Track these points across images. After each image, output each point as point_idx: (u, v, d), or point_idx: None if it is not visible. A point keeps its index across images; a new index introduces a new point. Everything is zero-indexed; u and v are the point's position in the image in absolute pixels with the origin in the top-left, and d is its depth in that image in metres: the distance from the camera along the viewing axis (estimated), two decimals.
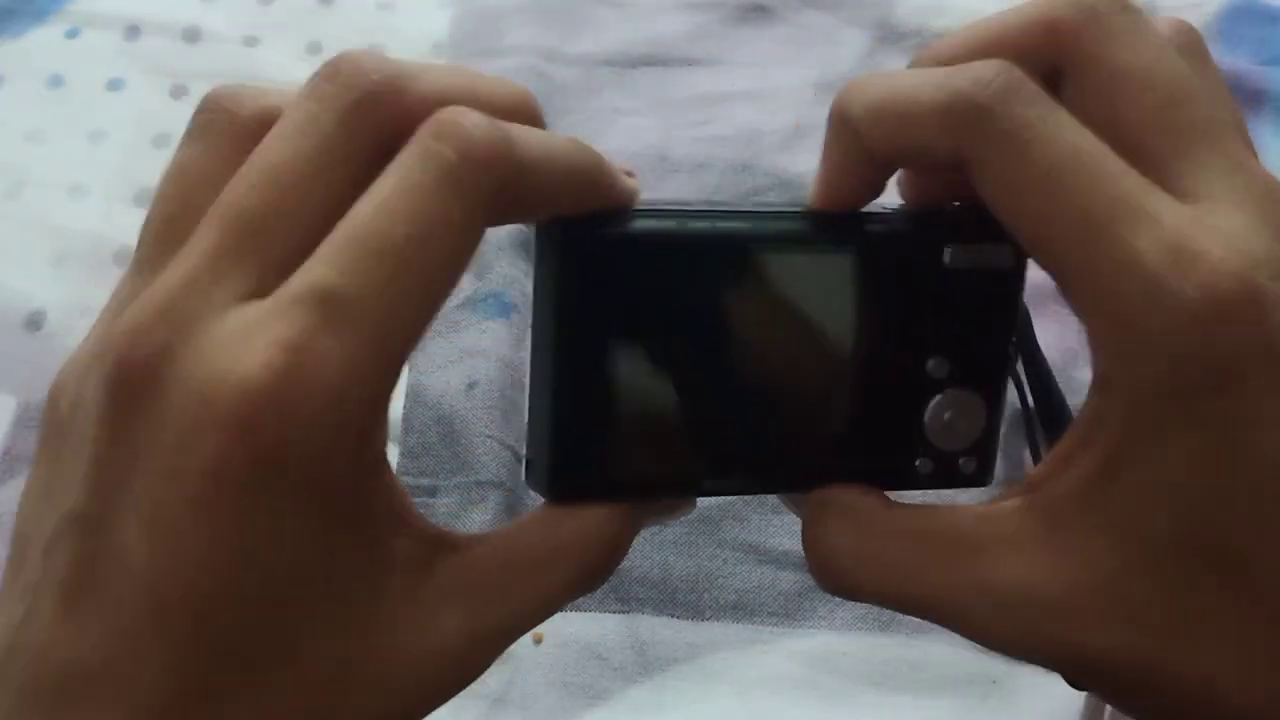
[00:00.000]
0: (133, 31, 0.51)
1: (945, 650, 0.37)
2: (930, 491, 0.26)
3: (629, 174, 0.23)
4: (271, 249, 0.20)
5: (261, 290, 0.20)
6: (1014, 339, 0.26)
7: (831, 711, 0.37)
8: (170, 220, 0.22)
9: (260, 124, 0.22)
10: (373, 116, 0.21)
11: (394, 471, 0.35)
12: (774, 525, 0.39)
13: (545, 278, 0.24)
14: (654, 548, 0.39)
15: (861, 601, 0.24)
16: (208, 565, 0.19)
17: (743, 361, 0.25)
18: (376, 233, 0.20)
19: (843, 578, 0.24)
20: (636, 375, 0.25)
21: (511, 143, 0.20)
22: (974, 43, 0.22)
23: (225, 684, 0.20)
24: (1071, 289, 0.20)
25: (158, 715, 0.19)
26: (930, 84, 0.21)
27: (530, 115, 0.22)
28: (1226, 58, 0.48)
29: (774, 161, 0.47)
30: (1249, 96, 0.48)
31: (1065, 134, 0.20)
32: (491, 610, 0.23)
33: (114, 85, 0.49)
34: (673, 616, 0.38)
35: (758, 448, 0.26)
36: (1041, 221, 0.20)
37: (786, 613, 0.38)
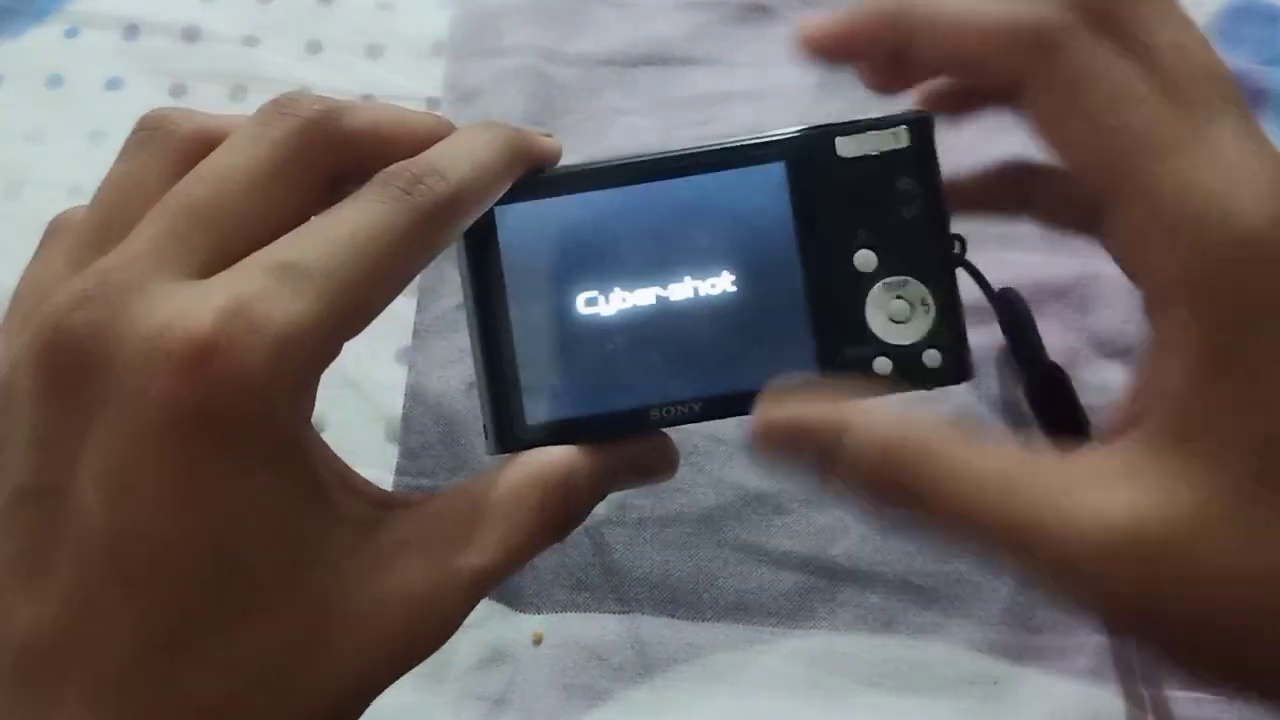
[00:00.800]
0: (132, 31, 0.51)
1: (945, 650, 0.37)
2: (913, 396, 0.26)
3: (547, 134, 0.26)
4: (219, 235, 0.21)
5: (207, 272, 0.21)
6: (946, 224, 0.26)
7: (831, 711, 0.37)
8: (105, 223, 0.23)
9: (197, 143, 0.23)
10: (315, 139, 0.23)
11: (394, 471, 0.36)
12: (774, 525, 0.39)
13: (457, 254, 0.26)
14: (654, 548, 0.39)
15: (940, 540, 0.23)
16: (164, 514, 0.19)
17: (669, 289, 0.26)
18: (336, 226, 0.22)
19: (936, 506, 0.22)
20: (561, 321, 0.26)
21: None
22: None
23: (189, 637, 0.20)
24: (1131, 211, 0.21)
25: (122, 675, 0.20)
26: (1001, 8, 0.23)
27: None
28: (1227, 57, 0.48)
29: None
30: (1249, 96, 0.48)
31: (1125, 73, 0.22)
32: (454, 557, 0.23)
33: (113, 85, 0.49)
34: (673, 616, 0.38)
35: (700, 372, 0.26)
36: (1101, 147, 0.22)
37: (786, 613, 0.38)
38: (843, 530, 0.39)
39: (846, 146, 0.26)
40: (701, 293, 0.26)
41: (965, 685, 0.37)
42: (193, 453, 0.19)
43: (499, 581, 0.23)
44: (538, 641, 0.38)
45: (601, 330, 0.26)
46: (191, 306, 0.20)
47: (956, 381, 0.26)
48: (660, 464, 0.27)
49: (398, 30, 0.51)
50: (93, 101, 0.49)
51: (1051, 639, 0.37)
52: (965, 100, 0.27)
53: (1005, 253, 0.43)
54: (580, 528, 0.40)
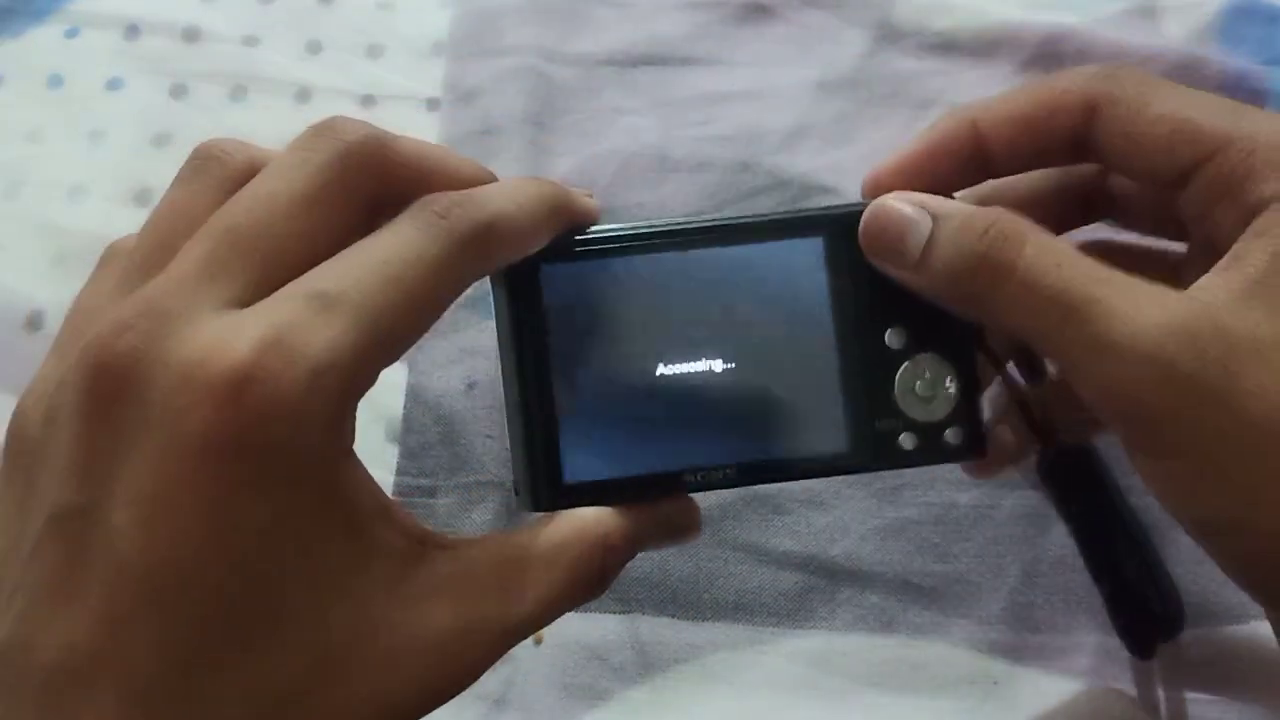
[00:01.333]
0: (132, 31, 0.51)
1: (945, 650, 0.37)
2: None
3: (588, 194, 0.26)
4: (260, 262, 0.22)
5: (247, 299, 0.21)
6: None
7: (831, 711, 0.37)
8: (153, 250, 0.23)
9: (249, 173, 0.23)
10: (358, 165, 0.23)
11: (394, 471, 0.36)
12: (774, 525, 0.39)
13: (496, 308, 0.26)
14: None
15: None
16: (195, 538, 0.20)
17: (708, 359, 0.26)
18: (371, 254, 0.22)
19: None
20: (602, 383, 0.26)
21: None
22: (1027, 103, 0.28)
23: (214, 658, 0.20)
24: (1230, 153, 0.24)
25: (147, 696, 0.20)
26: (1051, 79, 0.27)
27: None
28: (1227, 57, 0.48)
29: (774, 161, 0.47)
30: (1249, 96, 0.48)
31: (1163, 82, 0.27)
32: (486, 607, 0.23)
33: (113, 85, 0.49)
34: (673, 616, 0.38)
35: (734, 439, 0.27)
36: (1188, 120, 0.25)
37: (786, 613, 0.38)
38: (843, 530, 0.39)
39: None
40: (739, 363, 0.27)
41: (965, 685, 0.37)
42: (226, 481, 0.20)
43: (526, 636, 0.23)
44: (538, 642, 0.38)
45: (640, 394, 0.26)
46: (229, 336, 0.20)
47: (972, 459, 0.28)
48: (689, 524, 0.28)
49: (398, 30, 0.51)
50: (93, 101, 0.49)
51: (1051, 639, 0.37)
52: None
53: None
54: None
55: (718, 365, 0.26)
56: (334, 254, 0.22)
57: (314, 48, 0.50)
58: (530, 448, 0.26)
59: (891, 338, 0.27)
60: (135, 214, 0.46)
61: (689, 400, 0.27)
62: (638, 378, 0.26)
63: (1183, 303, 0.23)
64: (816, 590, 0.39)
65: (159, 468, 0.20)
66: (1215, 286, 0.23)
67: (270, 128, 0.48)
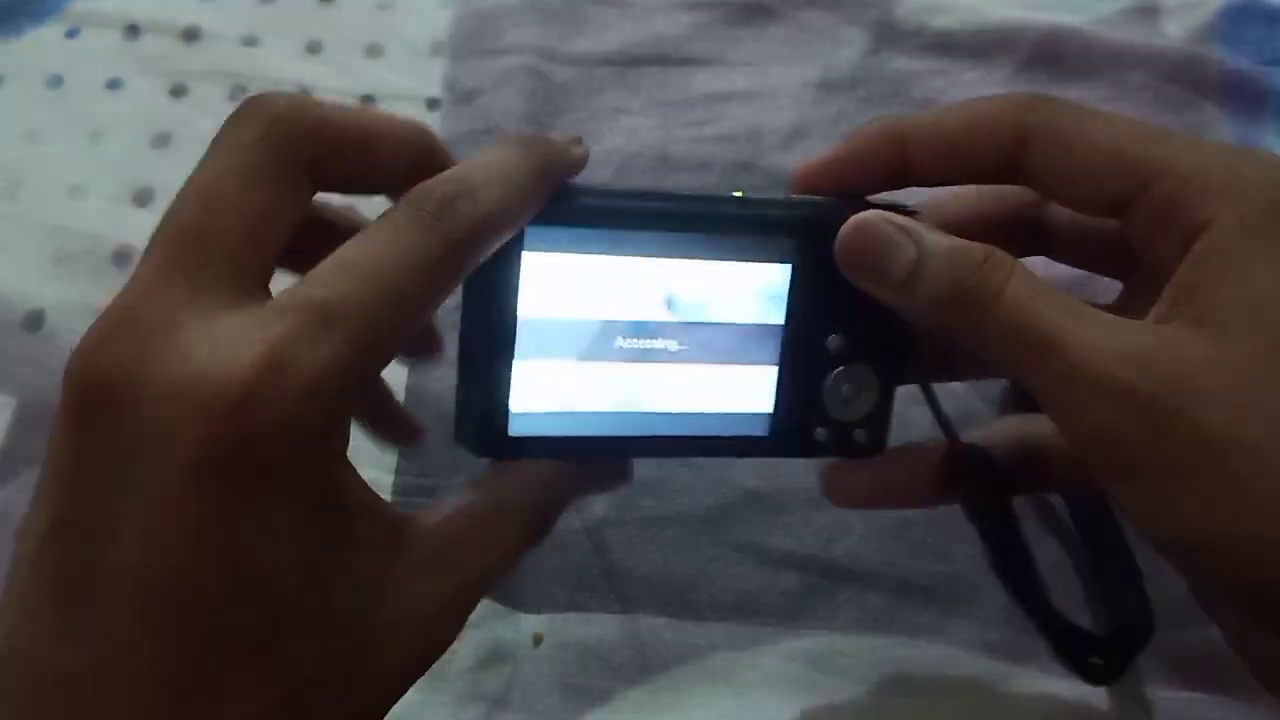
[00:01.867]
0: (132, 31, 0.51)
1: (945, 650, 0.37)
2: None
3: (576, 140, 0.27)
4: (218, 256, 0.22)
5: (222, 294, 0.21)
6: (909, 326, 0.29)
7: (831, 711, 0.37)
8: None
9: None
10: (287, 135, 0.23)
11: (394, 471, 0.36)
12: (774, 525, 0.39)
13: None
14: (654, 548, 0.39)
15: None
16: (195, 555, 0.20)
17: (664, 336, 0.28)
18: (367, 258, 0.22)
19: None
20: (558, 345, 0.27)
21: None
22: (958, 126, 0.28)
23: (215, 674, 0.20)
24: (1166, 179, 0.25)
25: (151, 710, 0.20)
26: (984, 99, 0.27)
27: (426, 145, 0.25)
28: (1228, 57, 0.48)
29: (774, 161, 0.47)
30: (1250, 96, 0.48)
31: (1093, 109, 0.26)
32: (458, 573, 0.24)
33: (113, 85, 0.49)
34: (673, 617, 0.38)
35: (674, 414, 0.28)
36: (1122, 148, 0.25)
37: (786, 613, 0.38)
38: (843, 530, 0.39)
39: None
40: (691, 346, 0.28)
41: (965, 685, 0.37)
42: (224, 497, 0.20)
43: (494, 589, 0.25)
44: (538, 642, 0.38)
45: (593, 361, 0.27)
46: (223, 352, 0.20)
47: (870, 456, 0.30)
48: (618, 479, 0.30)
49: (398, 30, 0.51)
50: (93, 101, 0.49)
51: None
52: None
53: None
54: (580, 528, 0.40)
55: (673, 345, 0.28)
56: (286, 224, 0.23)
57: (314, 48, 0.50)
58: (480, 392, 0.27)
59: (833, 343, 0.29)
60: (135, 214, 0.46)
61: (639, 374, 0.28)
62: (594, 346, 0.27)
63: (1138, 332, 0.24)
64: (816, 590, 0.38)
65: (157, 484, 0.20)
66: (1165, 313, 0.24)
67: None
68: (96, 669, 0.20)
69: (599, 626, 0.38)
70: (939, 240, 0.26)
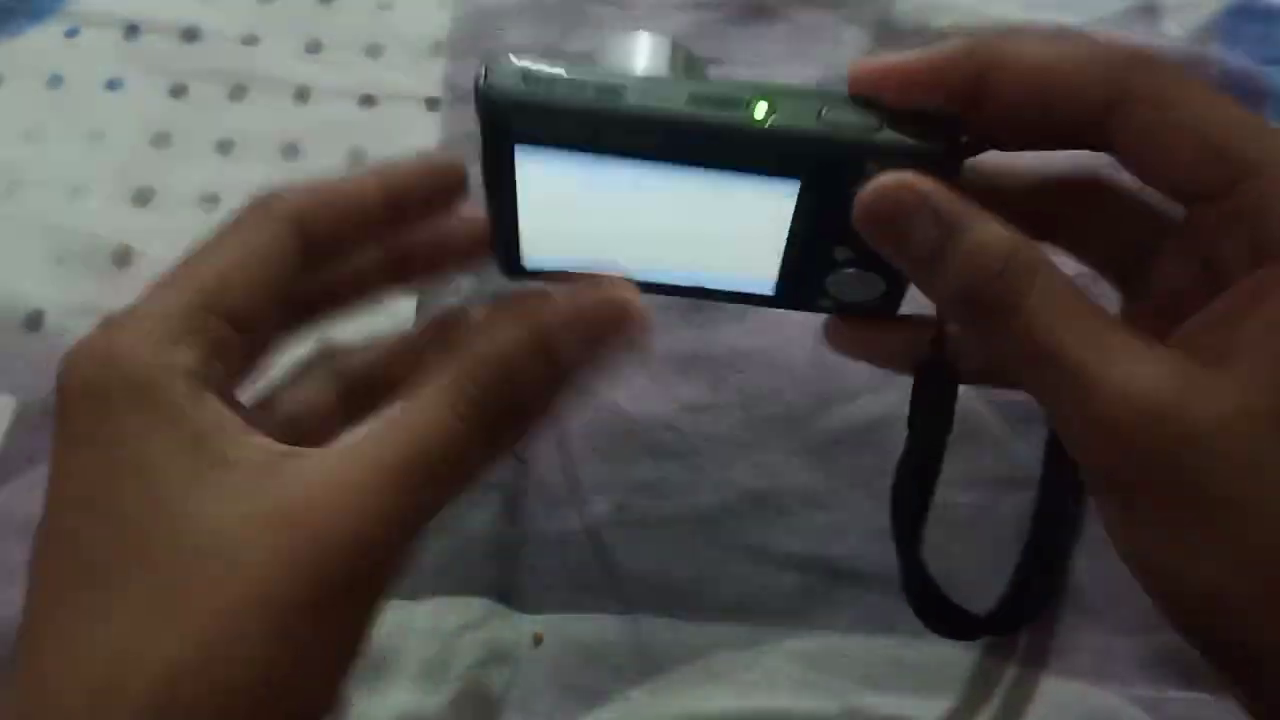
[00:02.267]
0: (131, 31, 0.51)
1: (945, 650, 0.37)
2: None
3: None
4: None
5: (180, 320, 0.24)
6: None
7: (831, 711, 0.36)
8: None
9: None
10: (270, 198, 0.26)
11: None
12: (774, 525, 0.39)
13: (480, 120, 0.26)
14: (654, 548, 0.39)
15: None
16: (58, 467, 0.23)
17: (672, 213, 0.27)
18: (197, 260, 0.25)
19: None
20: (566, 201, 0.27)
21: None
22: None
23: (83, 578, 0.22)
24: (1261, 179, 0.23)
25: (22, 642, 0.22)
26: (1081, 44, 0.25)
27: (401, 192, 0.28)
28: (1228, 57, 0.48)
29: None
30: (1250, 96, 0.48)
31: (1195, 84, 0.24)
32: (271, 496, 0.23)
33: (113, 85, 0.49)
34: (673, 617, 0.38)
35: (679, 269, 0.29)
36: (1221, 134, 0.24)
37: (786, 613, 0.38)
38: (843, 530, 0.39)
39: (872, 169, 0.25)
40: (699, 221, 0.27)
41: (965, 685, 0.37)
42: (85, 414, 0.22)
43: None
44: (538, 642, 0.38)
45: (600, 218, 0.28)
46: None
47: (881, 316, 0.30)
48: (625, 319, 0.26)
49: (398, 30, 0.51)
50: (92, 101, 0.49)
51: (1051, 639, 0.37)
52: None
53: None
54: (580, 528, 0.40)
55: (681, 223, 0.27)
56: (272, 271, 0.25)
57: (314, 47, 0.50)
58: (499, 233, 0.28)
59: (840, 252, 0.28)
60: (135, 214, 0.46)
61: (649, 234, 0.28)
62: (599, 211, 0.27)
63: (1167, 379, 0.22)
64: (816, 590, 0.38)
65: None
66: (1195, 348, 0.23)
67: (270, 127, 0.48)
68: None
69: (599, 626, 0.38)
70: (966, 225, 0.24)
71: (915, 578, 0.32)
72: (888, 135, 0.25)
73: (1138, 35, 0.49)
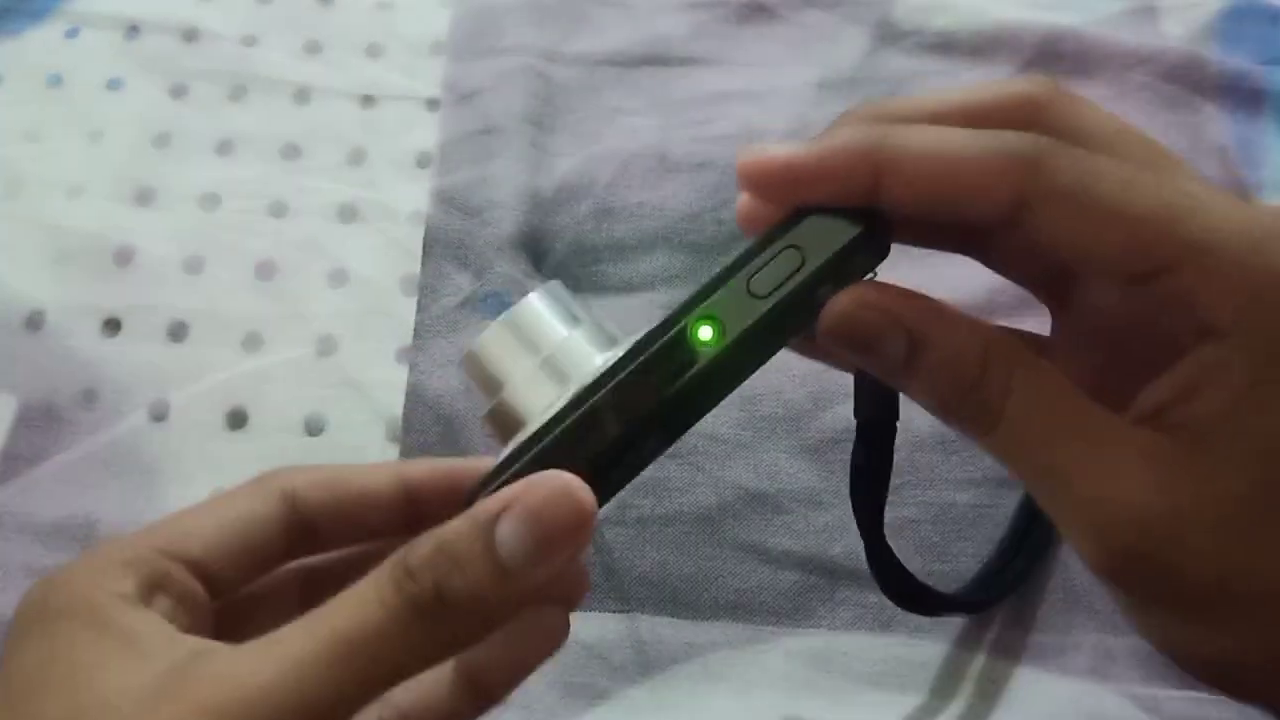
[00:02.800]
0: (132, 31, 0.51)
1: (945, 650, 0.37)
2: None
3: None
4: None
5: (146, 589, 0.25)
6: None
7: (831, 711, 0.37)
8: None
9: None
10: (269, 475, 0.27)
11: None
12: (774, 525, 0.39)
13: None
14: (654, 548, 0.39)
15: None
16: (3, 673, 0.24)
17: None
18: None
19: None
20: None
21: None
22: (963, 107, 0.25)
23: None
24: (1184, 272, 0.22)
25: None
26: (973, 144, 0.23)
27: (402, 490, 0.28)
28: (1227, 58, 0.48)
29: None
30: (1249, 96, 0.48)
31: (1113, 166, 0.23)
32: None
33: (113, 85, 0.49)
34: (673, 616, 0.38)
35: None
36: (1131, 232, 0.22)
37: (786, 613, 0.38)
38: (842, 530, 0.39)
39: (826, 291, 0.24)
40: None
41: (965, 685, 0.37)
42: (31, 632, 0.24)
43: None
44: None
45: None
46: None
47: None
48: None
49: (398, 30, 0.51)
50: (93, 101, 0.49)
51: (1051, 638, 0.38)
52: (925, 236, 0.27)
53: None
54: None
55: None
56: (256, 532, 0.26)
57: (314, 48, 0.50)
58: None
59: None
60: (135, 214, 0.46)
61: None
62: None
63: (1133, 480, 0.22)
64: (816, 590, 0.39)
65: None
66: (1164, 424, 0.23)
67: (270, 128, 0.48)
68: None
69: (599, 626, 0.38)
70: (934, 339, 0.23)
71: (877, 555, 0.32)
72: (815, 261, 0.23)
73: (1137, 35, 0.49)
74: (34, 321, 0.43)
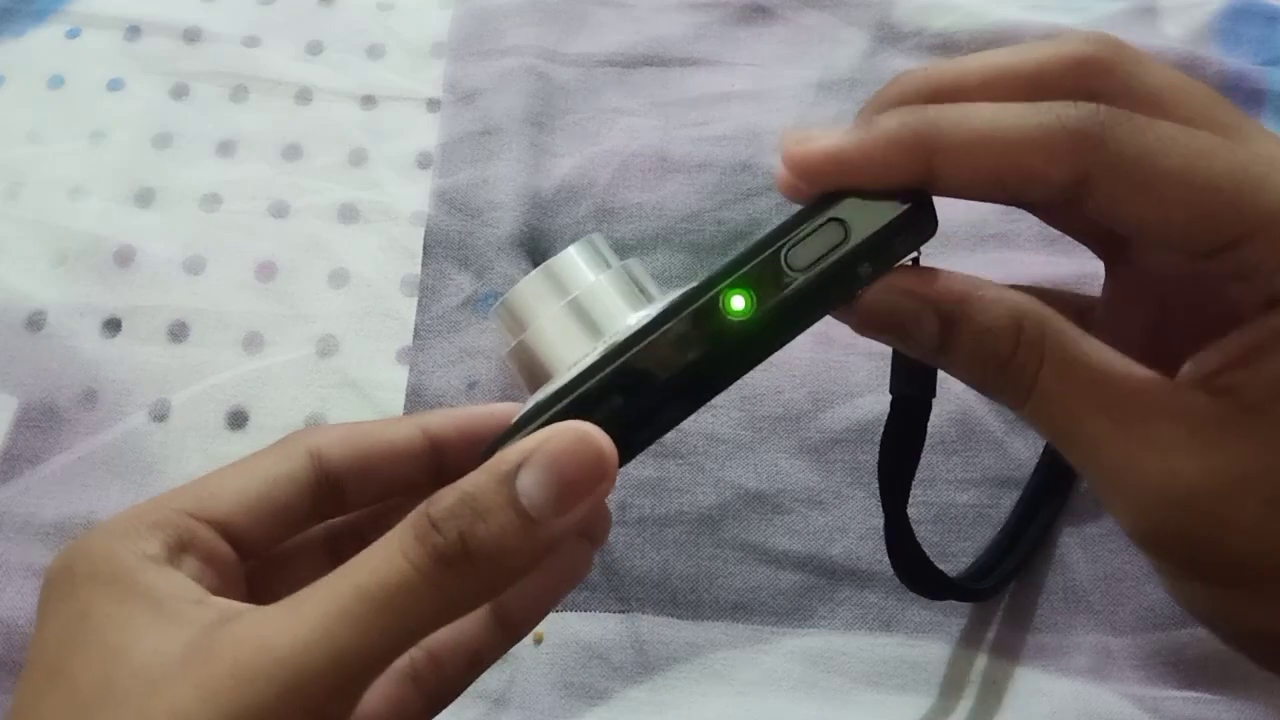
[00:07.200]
0: (133, 32, 0.51)
1: (945, 650, 0.37)
2: None
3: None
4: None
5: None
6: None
7: (831, 711, 0.37)
8: None
9: None
10: (295, 435, 0.27)
11: None
12: (774, 525, 0.39)
13: None
14: (654, 548, 0.39)
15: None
16: (35, 637, 0.24)
17: None
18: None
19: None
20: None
21: None
22: (1018, 72, 0.24)
23: (43, 687, 0.23)
24: (1257, 241, 0.22)
25: None
26: (1027, 121, 0.22)
27: (427, 448, 0.27)
28: (1227, 58, 0.48)
29: (774, 161, 0.47)
30: (1249, 96, 0.48)
31: (1175, 131, 0.22)
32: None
33: (114, 85, 0.49)
34: (673, 616, 0.38)
35: None
36: (1202, 202, 0.22)
37: (786, 613, 0.38)
38: (842, 530, 0.39)
39: (865, 269, 0.24)
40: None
41: (965, 685, 0.37)
42: (56, 594, 0.24)
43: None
44: (538, 641, 0.38)
45: None
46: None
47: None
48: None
49: (398, 30, 0.51)
50: (93, 102, 0.49)
51: (1051, 638, 0.38)
52: None
53: (1005, 252, 0.43)
54: None
55: None
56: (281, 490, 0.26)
57: (314, 48, 0.50)
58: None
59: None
60: (136, 214, 0.46)
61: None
62: None
63: (1172, 455, 0.22)
64: (816, 590, 0.39)
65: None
66: (1216, 388, 0.22)
67: (271, 128, 0.48)
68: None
69: (599, 626, 0.38)
70: (966, 316, 0.23)
71: (897, 535, 0.32)
72: (859, 237, 0.23)
73: (1137, 35, 0.49)
74: (35, 322, 0.43)
